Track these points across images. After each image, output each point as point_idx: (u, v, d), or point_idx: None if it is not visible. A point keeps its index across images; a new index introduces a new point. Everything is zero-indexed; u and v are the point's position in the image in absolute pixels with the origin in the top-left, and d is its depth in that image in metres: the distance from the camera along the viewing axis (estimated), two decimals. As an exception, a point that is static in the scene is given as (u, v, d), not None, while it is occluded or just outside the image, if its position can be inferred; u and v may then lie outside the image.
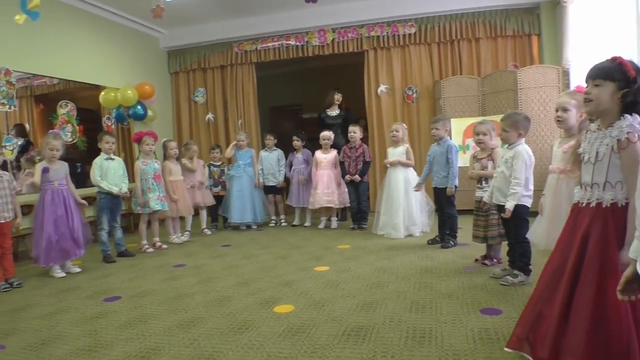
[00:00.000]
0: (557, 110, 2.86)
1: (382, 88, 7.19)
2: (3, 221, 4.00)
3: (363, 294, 3.33)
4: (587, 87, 1.83)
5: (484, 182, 3.79)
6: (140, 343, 2.71)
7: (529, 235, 3.09)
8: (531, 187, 3.29)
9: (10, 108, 5.33)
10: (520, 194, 3.21)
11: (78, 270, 4.49)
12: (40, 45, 5.69)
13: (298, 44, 7.50)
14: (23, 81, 5.61)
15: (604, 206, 1.76)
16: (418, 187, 5.03)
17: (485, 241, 3.83)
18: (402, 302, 3.09)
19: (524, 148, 3.26)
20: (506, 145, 3.38)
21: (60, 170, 4.41)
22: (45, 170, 4.27)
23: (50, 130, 5.72)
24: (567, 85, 5.77)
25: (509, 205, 3.21)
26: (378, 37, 7.12)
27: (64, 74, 6.13)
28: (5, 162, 4.78)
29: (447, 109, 6.49)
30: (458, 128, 6.37)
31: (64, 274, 4.38)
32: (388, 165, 5.37)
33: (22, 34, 5.32)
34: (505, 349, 2.11)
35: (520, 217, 3.28)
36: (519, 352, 2.02)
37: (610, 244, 1.69)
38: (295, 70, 9.62)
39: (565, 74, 5.90)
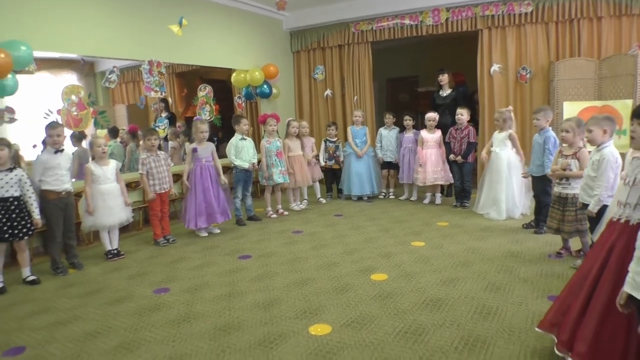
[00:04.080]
0: None
1: (495, 67, 7.27)
2: (163, 191, 5.11)
3: (448, 271, 3.85)
4: (632, 125, 2.14)
5: (564, 179, 3.97)
6: (266, 294, 3.53)
7: (593, 236, 3.30)
8: (616, 187, 3.48)
9: (161, 94, 6.46)
10: (605, 195, 3.43)
11: (218, 231, 5.52)
12: (183, 38, 6.68)
13: (412, 23, 7.79)
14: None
15: (630, 224, 2.10)
16: (525, 174, 5.16)
17: (558, 233, 4.07)
18: (481, 282, 3.57)
19: (610, 151, 3.44)
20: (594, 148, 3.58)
21: (207, 149, 5.37)
22: (194, 150, 5.27)
23: (197, 118, 6.75)
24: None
25: (591, 207, 3.46)
26: (493, 16, 7.16)
27: (203, 61, 7.16)
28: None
29: (559, 91, 6.48)
30: (571, 111, 6.32)
31: (207, 234, 5.42)
32: (492, 149, 5.61)
33: (168, 31, 6.39)
34: (536, 329, 2.54)
35: (604, 216, 3.51)
36: (547, 333, 2.44)
37: (628, 257, 2.02)
38: (413, 43, 9.80)
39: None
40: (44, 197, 4.26)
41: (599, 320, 2.10)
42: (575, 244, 4.20)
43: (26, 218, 4.03)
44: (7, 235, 3.91)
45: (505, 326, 2.81)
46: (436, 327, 2.85)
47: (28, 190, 4.06)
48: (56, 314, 3.41)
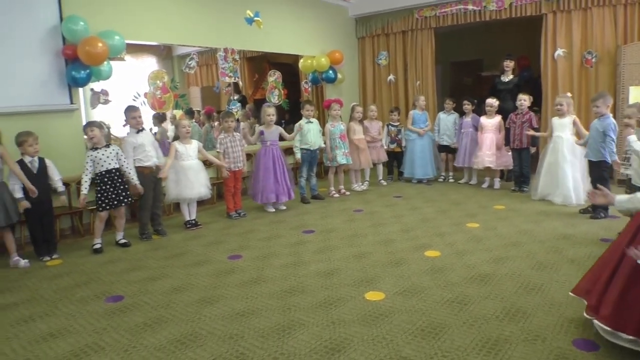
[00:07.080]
0: None
1: (559, 52, 7.20)
2: (237, 169, 5.60)
3: (499, 250, 4.07)
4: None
5: (625, 161, 4.09)
6: (327, 265, 3.92)
7: None
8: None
9: (234, 79, 6.94)
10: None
11: (284, 207, 5.96)
12: (255, 27, 7.05)
13: (475, 8, 7.83)
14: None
15: None
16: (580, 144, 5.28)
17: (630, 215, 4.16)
18: (529, 261, 3.77)
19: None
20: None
21: (274, 132, 5.79)
22: (261, 133, 5.70)
23: (265, 103, 7.18)
24: None
25: (642, 189, 3.58)
26: (558, 0, 7.09)
27: (273, 48, 7.61)
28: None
29: (626, 75, 6.38)
30: (637, 96, 6.23)
31: (274, 210, 5.87)
32: (555, 134, 5.64)
33: (241, 19, 6.83)
34: (570, 293, 2.78)
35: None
36: (580, 298, 2.69)
37: None
38: (478, 26, 9.71)
39: None
40: (139, 172, 4.82)
41: (623, 287, 2.33)
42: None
43: (126, 187, 4.64)
44: (115, 202, 4.54)
45: (546, 300, 3.04)
46: (481, 298, 3.12)
47: (124, 162, 4.64)
48: (147, 271, 3.96)
